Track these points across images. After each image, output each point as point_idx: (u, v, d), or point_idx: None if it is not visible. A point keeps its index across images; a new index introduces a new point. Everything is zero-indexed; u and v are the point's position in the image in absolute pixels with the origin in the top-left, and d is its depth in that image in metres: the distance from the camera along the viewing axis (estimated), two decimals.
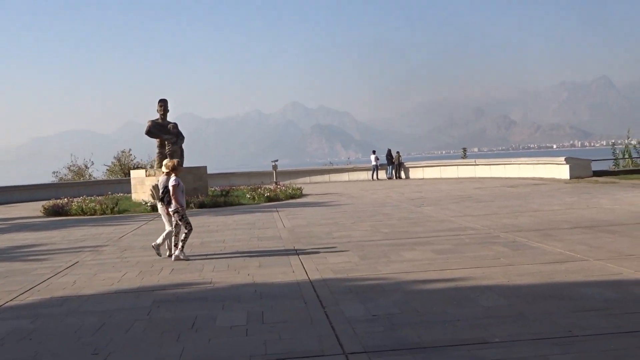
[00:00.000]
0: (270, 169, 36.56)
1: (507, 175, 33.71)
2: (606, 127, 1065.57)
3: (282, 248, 12.65)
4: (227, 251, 12.30)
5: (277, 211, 20.94)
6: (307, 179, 40.96)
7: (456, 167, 38.22)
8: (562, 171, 29.25)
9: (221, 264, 11.08)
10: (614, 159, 33.00)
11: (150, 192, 13.17)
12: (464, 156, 43.31)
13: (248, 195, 26.03)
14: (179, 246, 11.89)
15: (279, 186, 29.25)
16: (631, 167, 30.86)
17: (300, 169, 45.66)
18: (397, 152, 41.52)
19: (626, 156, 33.11)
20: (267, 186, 29.51)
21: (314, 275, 9.53)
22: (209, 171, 29.52)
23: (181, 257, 11.77)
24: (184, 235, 11.94)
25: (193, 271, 10.43)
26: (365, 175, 41.84)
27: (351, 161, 69.41)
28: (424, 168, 40.53)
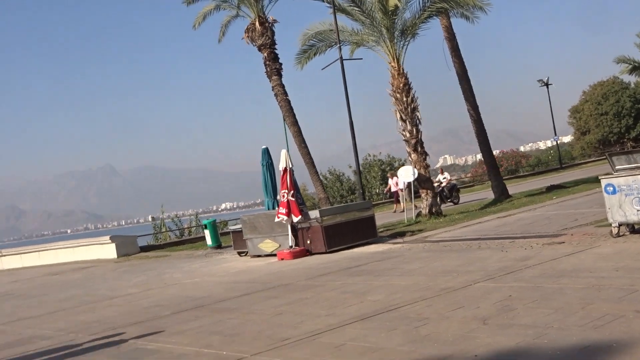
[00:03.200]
0: None
1: (43, 263, 28.62)
2: (114, 209, 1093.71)
3: None
4: None
5: None
6: None
7: None
8: (108, 250, 25.87)
9: None
10: (154, 234, 31.24)
11: None
12: None
13: None
14: None
15: None
16: (174, 240, 29.45)
17: None
18: None
19: (164, 230, 31.71)
20: None
21: None
22: None
23: None
24: None
25: None
26: None
27: None
28: None
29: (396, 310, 7.76)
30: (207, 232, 22.64)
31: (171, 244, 27.83)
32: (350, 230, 15.79)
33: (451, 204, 26.75)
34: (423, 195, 20.35)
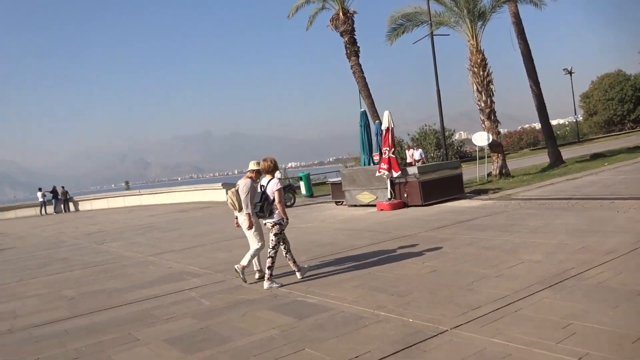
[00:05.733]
0: None
1: (170, 202, 27.19)
2: (211, 164, 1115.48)
3: None
4: None
5: None
6: None
7: (123, 197, 30.06)
8: (219, 194, 24.05)
9: None
10: None
11: (230, 200, 6.58)
12: (128, 188, 35.19)
13: None
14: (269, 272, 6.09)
15: None
16: None
17: None
18: (63, 187, 31.39)
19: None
20: None
21: None
22: None
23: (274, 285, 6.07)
24: (273, 252, 6.11)
25: None
26: (34, 211, 30.64)
27: (17, 199, 53.16)
28: (92, 200, 31.25)
29: (581, 276, 5.19)
30: (302, 183, 20.42)
31: None
32: (442, 186, 13.18)
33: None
34: (494, 158, 17.44)
